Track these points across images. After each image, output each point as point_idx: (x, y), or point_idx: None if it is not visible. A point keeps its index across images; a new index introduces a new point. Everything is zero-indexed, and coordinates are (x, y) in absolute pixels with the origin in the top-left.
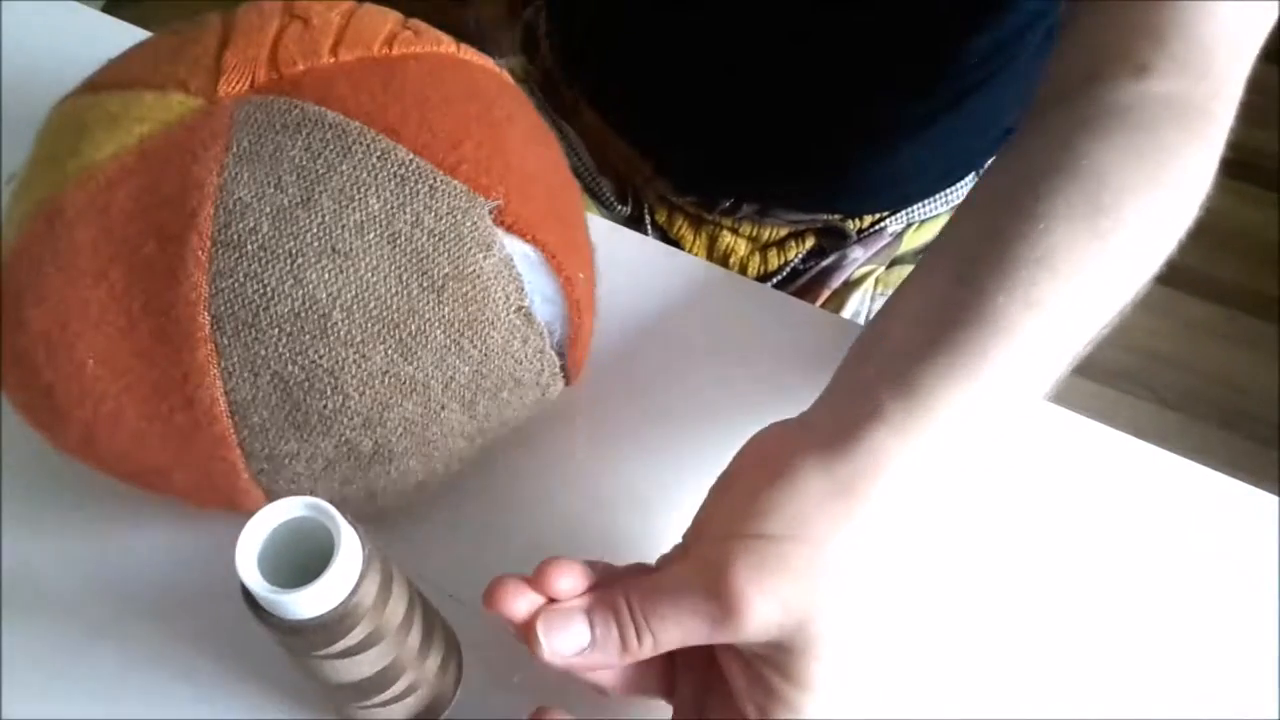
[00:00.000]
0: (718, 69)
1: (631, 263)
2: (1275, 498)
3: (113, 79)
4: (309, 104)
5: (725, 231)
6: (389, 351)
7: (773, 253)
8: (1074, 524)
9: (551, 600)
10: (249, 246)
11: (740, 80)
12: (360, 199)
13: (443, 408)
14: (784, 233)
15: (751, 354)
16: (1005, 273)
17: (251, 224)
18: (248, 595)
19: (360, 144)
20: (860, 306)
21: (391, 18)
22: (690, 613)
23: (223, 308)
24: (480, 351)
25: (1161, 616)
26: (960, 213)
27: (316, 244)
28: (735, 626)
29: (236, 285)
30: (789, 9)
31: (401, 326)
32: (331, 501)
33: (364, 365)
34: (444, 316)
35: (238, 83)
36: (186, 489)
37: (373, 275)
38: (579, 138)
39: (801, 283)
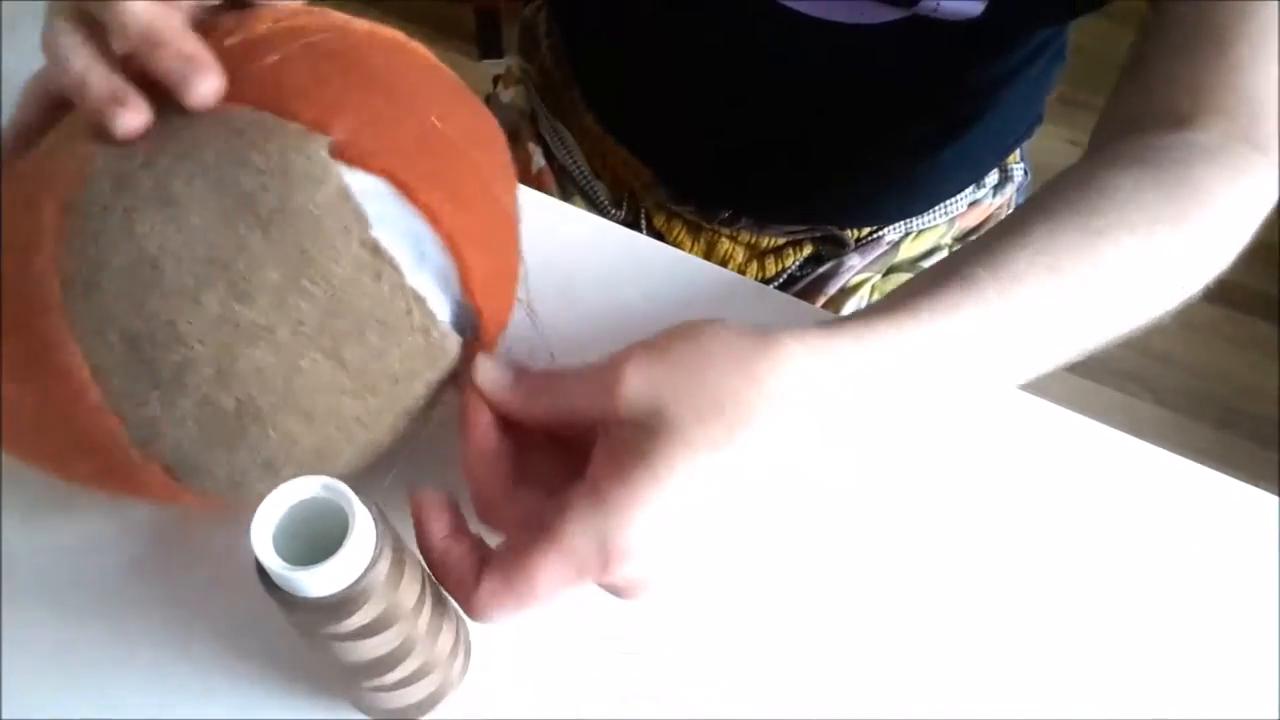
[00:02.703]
0: (720, 85)
1: (630, 262)
2: (1275, 498)
3: None
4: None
5: (723, 238)
6: (222, 295)
7: (770, 260)
8: (1073, 524)
9: None
10: (93, 209)
11: (743, 97)
12: (195, 154)
13: (300, 356)
14: (782, 240)
15: None
16: (986, 248)
17: (96, 188)
18: (263, 573)
19: (204, 113)
20: None
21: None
22: (584, 379)
23: (70, 271)
24: (325, 291)
25: (1161, 616)
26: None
27: (149, 198)
28: (610, 392)
29: (79, 248)
30: (794, 32)
31: (230, 268)
32: (232, 477)
33: (199, 312)
34: (275, 255)
35: None
36: (91, 473)
37: (199, 220)
38: (575, 140)
39: (798, 289)
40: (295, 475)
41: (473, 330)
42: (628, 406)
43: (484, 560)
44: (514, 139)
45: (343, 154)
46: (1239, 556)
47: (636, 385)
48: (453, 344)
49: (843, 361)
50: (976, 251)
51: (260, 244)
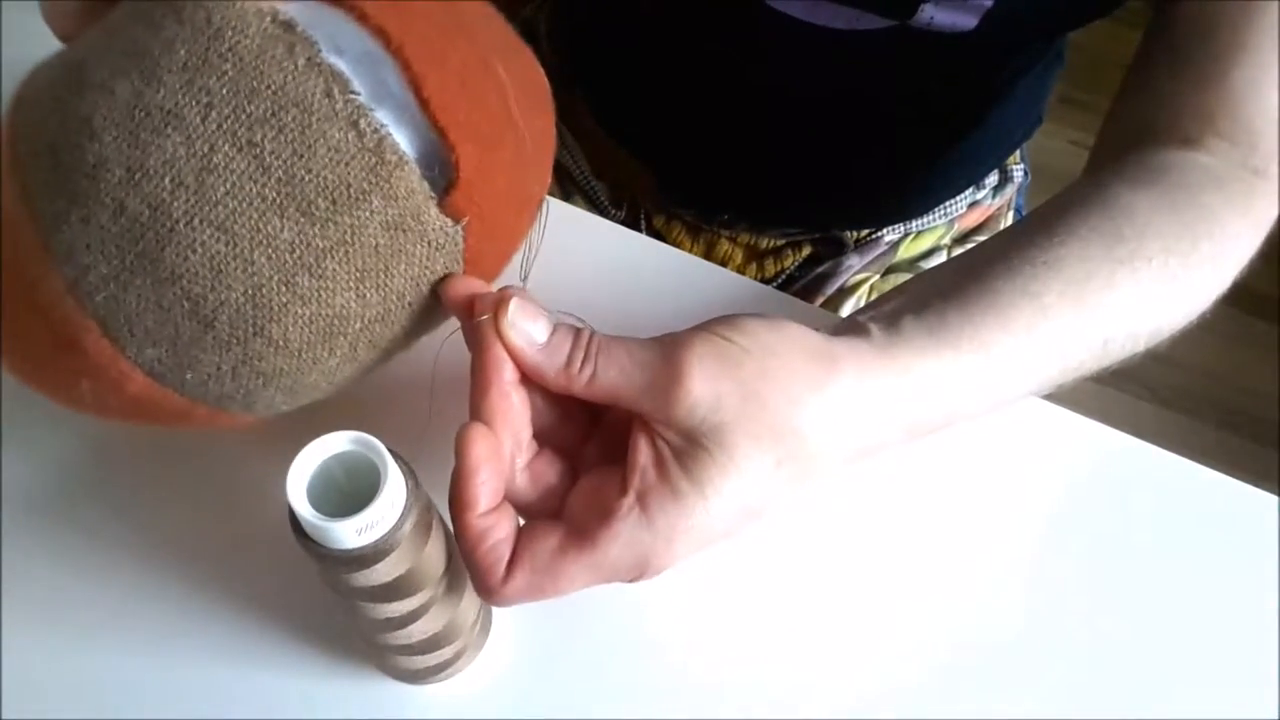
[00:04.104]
0: (718, 89)
1: (629, 261)
2: (1275, 498)
3: None
4: None
5: (722, 240)
6: (135, 82)
7: (769, 261)
8: (1074, 524)
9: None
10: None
11: (741, 101)
12: None
13: (212, 149)
14: (781, 242)
15: None
16: (1011, 267)
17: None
18: (296, 524)
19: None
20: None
21: None
22: (637, 364)
23: (19, 95)
24: (233, 67)
25: (1161, 616)
26: (980, 241)
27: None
28: (669, 393)
29: (30, 78)
30: (790, 37)
31: (145, 55)
32: (163, 328)
33: (111, 101)
34: (184, 33)
35: None
36: (41, 346)
37: (122, 16)
38: (576, 140)
39: (796, 289)
40: (235, 337)
41: (444, 171)
42: (687, 415)
43: (516, 553)
44: None
45: None
46: (1239, 556)
47: (700, 397)
48: (404, 162)
49: (895, 396)
50: (1009, 275)
51: (172, 25)
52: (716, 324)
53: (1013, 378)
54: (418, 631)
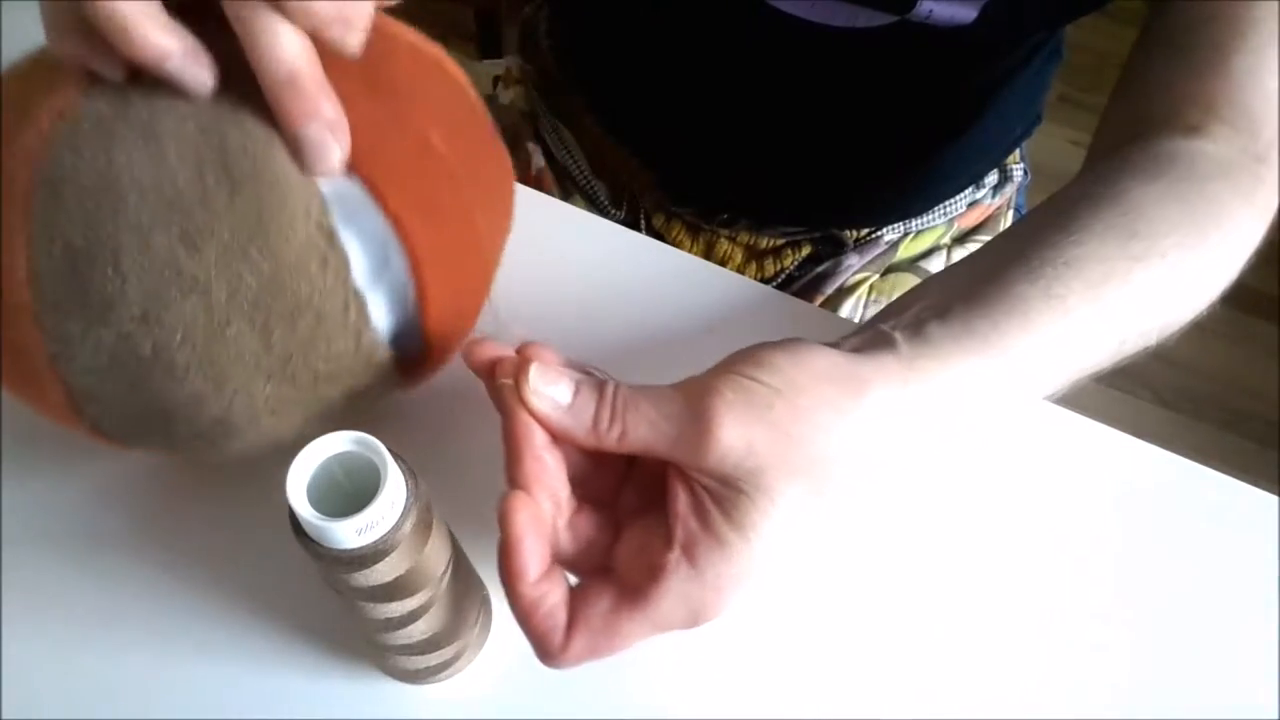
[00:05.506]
0: (717, 88)
1: (629, 261)
2: (1275, 498)
3: None
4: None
5: (722, 239)
6: (172, 241)
7: (769, 260)
8: (1074, 524)
9: None
10: (84, 124)
11: (740, 100)
12: (192, 101)
13: (228, 322)
14: (780, 241)
15: None
16: (1031, 269)
17: (92, 105)
18: (296, 524)
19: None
20: (853, 313)
21: None
22: (666, 417)
23: (44, 174)
24: (270, 264)
25: (1161, 616)
26: (987, 243)
27: (137, 125)
28: (700, 444)
29: (58, 153)
30: (789, 35)
31: (189, 216)
32: (126, 419)
33: (146, 251)
34: (234, 215)
35: None
36: (7, 368)
37: (174, 159)
38: (575, 140)
39: (796, 288)
40: (189, 436)
41: (415, 353)
42: (720, 463)
43: (572, 617)
44: (514, 139)
45: None
46: (1240, 556)
47: (732, 445)
48: (383, 357)
49: (923, 409)
50: (1030, 278)
51: (224, 201)
52: (741, 364)
53: (1035, 380)
54: (418, 631)
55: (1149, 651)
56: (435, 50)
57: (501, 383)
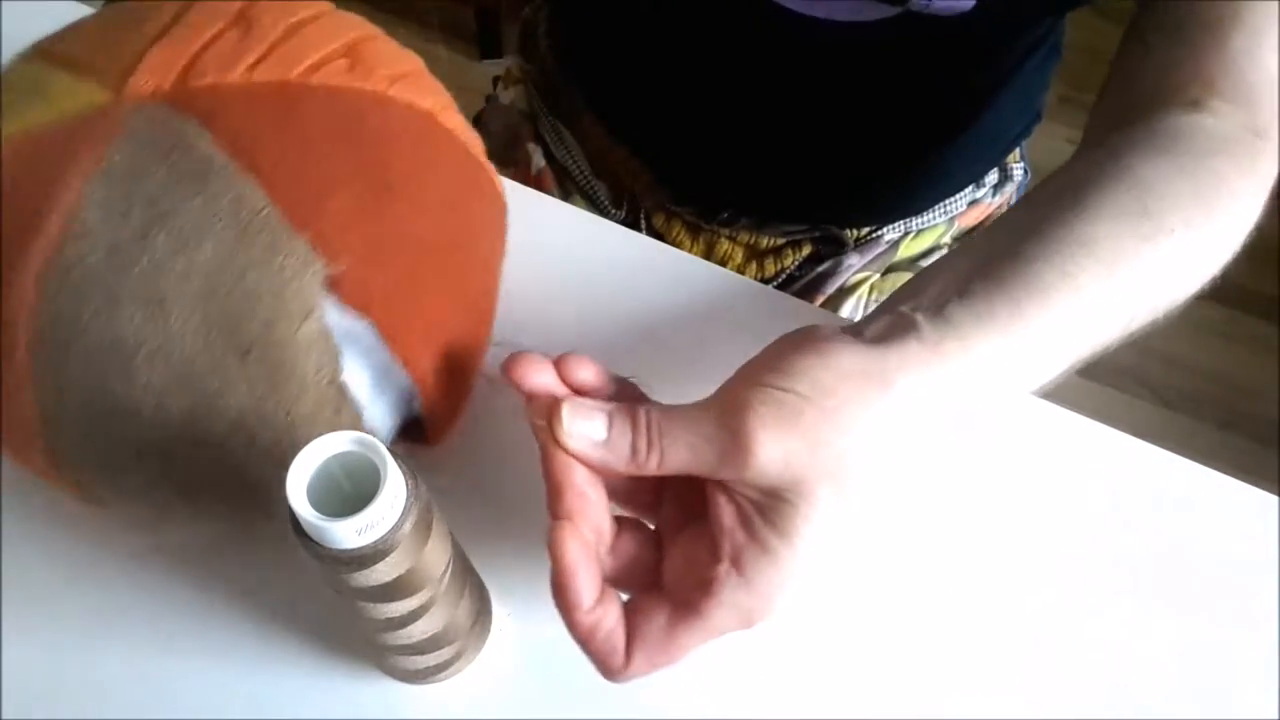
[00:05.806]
0: (717, 85)
1: (629, 261)
2: (1275, 498)
3: (56, 48)
4: (191, 124)
5: (722, 239)
6: (187, 408)
7: (769, 260)
8: (1074, 524)
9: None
10: (75, 274)
11: (740, 97)
12: (195, 244)
13: (242, 470)
14: (781, 241)
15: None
16: (1046, 247)
17: (86, 251)
18: (296, 524)
19: (218, 182)
20: (854, 313)
21: (344, 38)
22: (702, 439)
23: (43, 324)
24: (286, 418)
25: (1161, 616)
26: (999, 217)
27: (137, 287)
28: (739, 462)
29: (57, 308)
30: (789, 30)
31: (202, 382)
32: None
33: (162, 414)
34: (248, 378)
35: (146, 83)
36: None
37: (181, 328)
38: (575, 140)
39: (796, 288)
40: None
41: (421, 436)
42: (759, 476)
43: (630, 636)
44: (514, 139)
45: (337, 287)
46: (1240, 556)
47: (770, 459)
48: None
49: (946, 392)
50: (1047, 256)
51: (235, 367)
52: (767, 374)
53: (1051, 358)
54: (418, 631)
55: (1149, 651)
56: (425, 103)
57: (535, 423)
